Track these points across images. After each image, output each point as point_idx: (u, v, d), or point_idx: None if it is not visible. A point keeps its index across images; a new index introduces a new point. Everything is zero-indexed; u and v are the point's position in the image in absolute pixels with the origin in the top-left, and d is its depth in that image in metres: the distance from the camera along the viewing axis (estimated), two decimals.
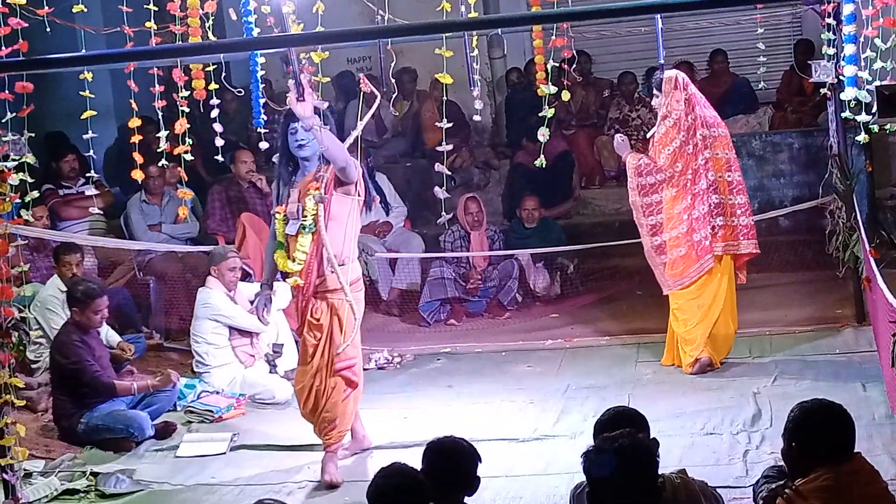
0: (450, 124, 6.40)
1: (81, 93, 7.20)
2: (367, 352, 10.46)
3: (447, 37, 7.08)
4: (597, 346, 10.27)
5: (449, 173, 6.28)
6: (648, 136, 9.36)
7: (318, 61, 7.43)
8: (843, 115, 8.41)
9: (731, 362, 9.34)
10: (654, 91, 9.22)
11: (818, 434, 4.74)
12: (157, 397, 8.93)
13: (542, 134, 7.02)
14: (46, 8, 7.00)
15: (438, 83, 13.82)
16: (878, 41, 7.02)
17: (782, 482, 4.92)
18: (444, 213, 6.19)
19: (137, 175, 7.49)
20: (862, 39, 7.17)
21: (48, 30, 6.90)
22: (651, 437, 5.08)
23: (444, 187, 6.21)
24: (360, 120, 7.06)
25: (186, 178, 7.72)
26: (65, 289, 9.59)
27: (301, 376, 7.66)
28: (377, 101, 6.83)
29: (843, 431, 4.77)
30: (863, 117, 7.50)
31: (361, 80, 7.11)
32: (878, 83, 6.91)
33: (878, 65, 7.09)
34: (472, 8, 7.79)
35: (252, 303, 9.78)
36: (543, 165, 7.20)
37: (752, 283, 11.36)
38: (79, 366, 8.56)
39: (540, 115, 7.01)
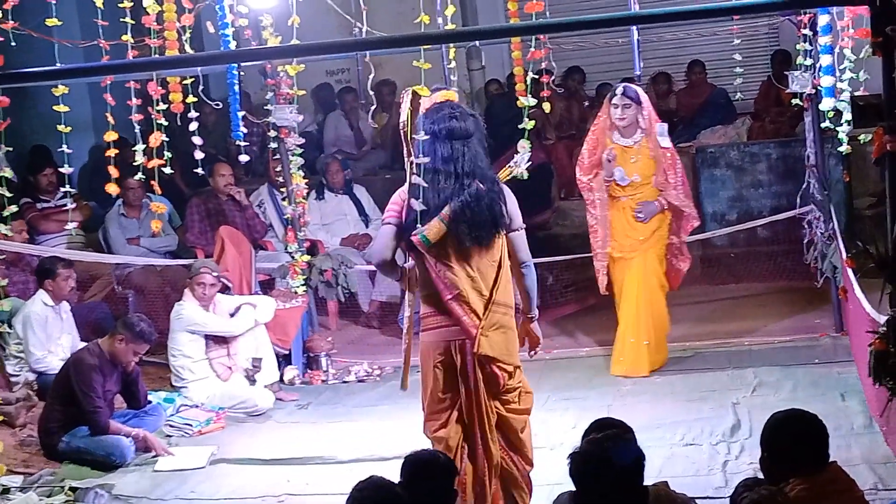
0: (427, 136, 6.36)
1: (55, 107, 7.17)
2: (346, 364, 10.49)
3: (425, 49, 7.08)
4: (576, 358, 10.27)
5: (425, 185, 6.22)
6: (663, 145, 9.43)
7: (294, 74, 7.43)
8: (824, 125, 8.45)
9: (711, 373, 9.36)
10: (627, 101, 9.31)
11: (791, 444, 4.75)
12: (143, 420, 8.86)
13: (523, 146, 7.02)
14: (12, 22, 6.96)
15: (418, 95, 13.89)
16: (847, 52, 7.05)
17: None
18: (419, 224, 6.14)
19: (112, 189, 7.47)
20: (837, 50, 7.21)
21: (13, 44, 6.87)
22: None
23: (421, 199, 6.16)
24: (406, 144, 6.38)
25: (160, 191, 7.69)
26: (50, 304, 9.55)
27: None
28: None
29: (817, 441, 4.78)
30: (843, 128, 7.54)
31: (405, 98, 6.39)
32: (849, 92, 6.94)
33: (847, 75, 7.12)
34: (449, 20, 7.80)
35: (232, 315, 9.80)
36: (524, 176, 7.20)
37: (731, 294, 11.46)
38: (86, 393, 8.42)
39: (519, 126, 7.02)
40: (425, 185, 6.19)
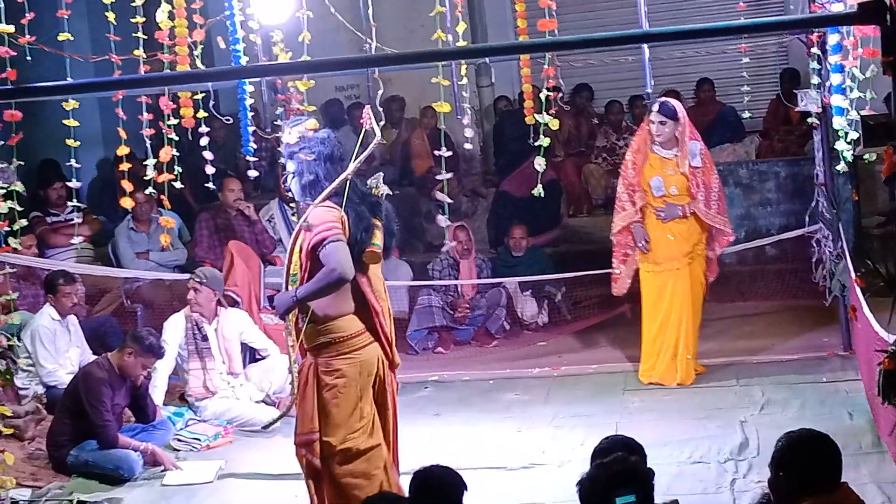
0: (449, 153, 6.45)
1: (65, 121, 7.20)
2: None
3: (435, 65, 7.11)
4: (584, 375, 10.25)
5: (450, 201, 6.30)
6: (693, 164, 9.52)
7: (305, 90, 7.45)
8: (837, 145, 8.47)
9: (719, 390, 9.37)
10: (662, 118, 9.39)
11: (805, 464, 4.73)
12: (151, 434, 8.86)
13: (539, 163, 7.04)
14: (30, 36, 7.00)
15: (428, 112, 13.94)
16: (856, 71, 7.06)
17: None
18: (446, 241, 6.25)
19: (127, 203, 7.49)
20: (848, 69, 7.21)
21: (29, 58, 6.90)
22: (647, 466, 5.09)
23: (447, 215, 6.24)
24: (354, 160, 6.42)
25: (170, 206, 7.71)
26: (57, 318, 9.57)
27: None
28: (374, 141, 6.40)
29: (831, 461, 4.77)
30: (841, 146, 7.54)
31: (364, 115, 6.54)
32: (856, 112, 6.94)
33: (854, 94, 7.12)
34: (460, 37, 7.82)
35: (241, 334, 9.77)
36: (541, 194, 7.20)
37: (739, 312, 11.45)
38: (95, 407, 8.45)
39: (535, 143, 7.04)
40: (450, 200, 6.27)
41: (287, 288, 6.44)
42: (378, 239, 6.43)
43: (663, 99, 9.86)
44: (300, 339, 6.46)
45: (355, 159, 6.37)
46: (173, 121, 7.75)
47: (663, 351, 9.64)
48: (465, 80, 8.75)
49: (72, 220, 11.10)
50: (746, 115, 9.94)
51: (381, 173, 6.78)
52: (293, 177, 6.61)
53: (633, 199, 9.63)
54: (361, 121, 6.48)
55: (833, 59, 7.52)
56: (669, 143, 9.54)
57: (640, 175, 9.59)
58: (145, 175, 7.60)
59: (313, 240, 6.30)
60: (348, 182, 6.36)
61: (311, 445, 6.50)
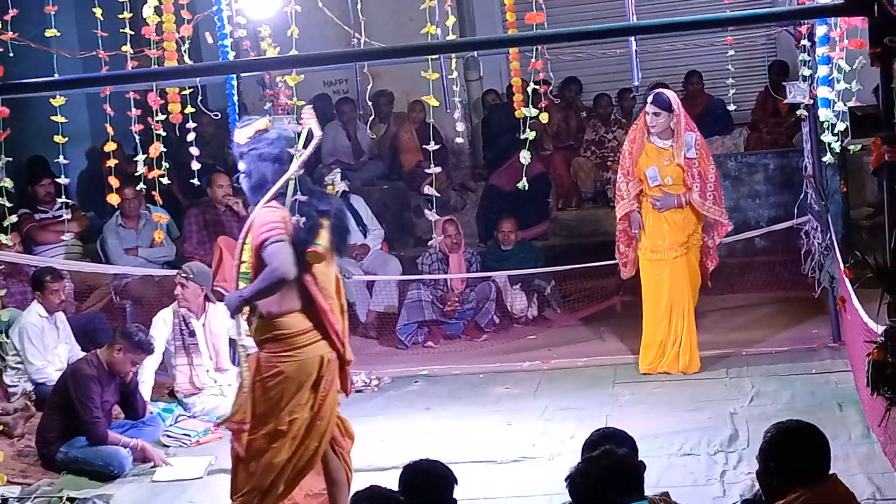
0: (437, 146, 6.44)
1: (53, 117, 7.18)
2: None
3: (423, 59, 7.10)
4: (574, 368, 10.26)
5: (438, 195, 6.30)
6: (688, 156, 9.53)
7: (294, 84, 7.44)
8: (824, 138, 8.48)
9: (709, 382, 9.37)
10: (657, 109, 9.43)
11: (794, 455, 4.74)
12: (141, 430, 8.85)
13: (524, 157, 7.04)
14: (13, 33, 6.98)
15: (416, 106, 13.93)
16: (842, 62, 7.06)
17: None
18: (434, 235, 6.25)
19: (114, 199, 7.47)
20: (835, 61, 7.22)
21: (11, 54, 6.88)
22: (638, 459, 5.10)
23: (434, 209, 6.24)
24: (296, 159, 6.42)
25: (161, 202, 7.70)
26: (45, 315, 9.55)
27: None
28: (314, 140, 6.48)
29: (819, 452, 4.78)
30: (827, 137, 7.56)
31: (304, 114, 6.66)
32: (843, 103, 6.95)
33: (841, 86, 7.13)
34: (449, 31, 7.81)
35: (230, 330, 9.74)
36: (525, 188, 7.21)
37: (729, 304, 11.47)
38: (84, 403, 8.44)
39: (521, 136, 7.04)
40: (439, 195, 6.27)
41: (237, 287, 6.45)
42: (322, 238, 6.42)
43: (658, 90, 9.91)
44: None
45: (297, 159, 6.38)
46: (161, 116, 7.73)
47: (668, 341, 9.65)
48: (454, 74, 8.75)
49: (60, 216, 11.09)
50: (732, 107, 9.96)
51: (339, 170, 6.82)
52: (244, 177, 6.65)
53: (629, 189, 9.66)
54: (302, 121, 6.51)
55: (820, 50, 7.52)
56: (665, 134, 9.58)
57: (636, 165, 9.62)
58: (134, 171, 7.59)
59: (256, 240, 6.34)
60: (294, 182, 6.37)
61: (240, 435, 6.53)
